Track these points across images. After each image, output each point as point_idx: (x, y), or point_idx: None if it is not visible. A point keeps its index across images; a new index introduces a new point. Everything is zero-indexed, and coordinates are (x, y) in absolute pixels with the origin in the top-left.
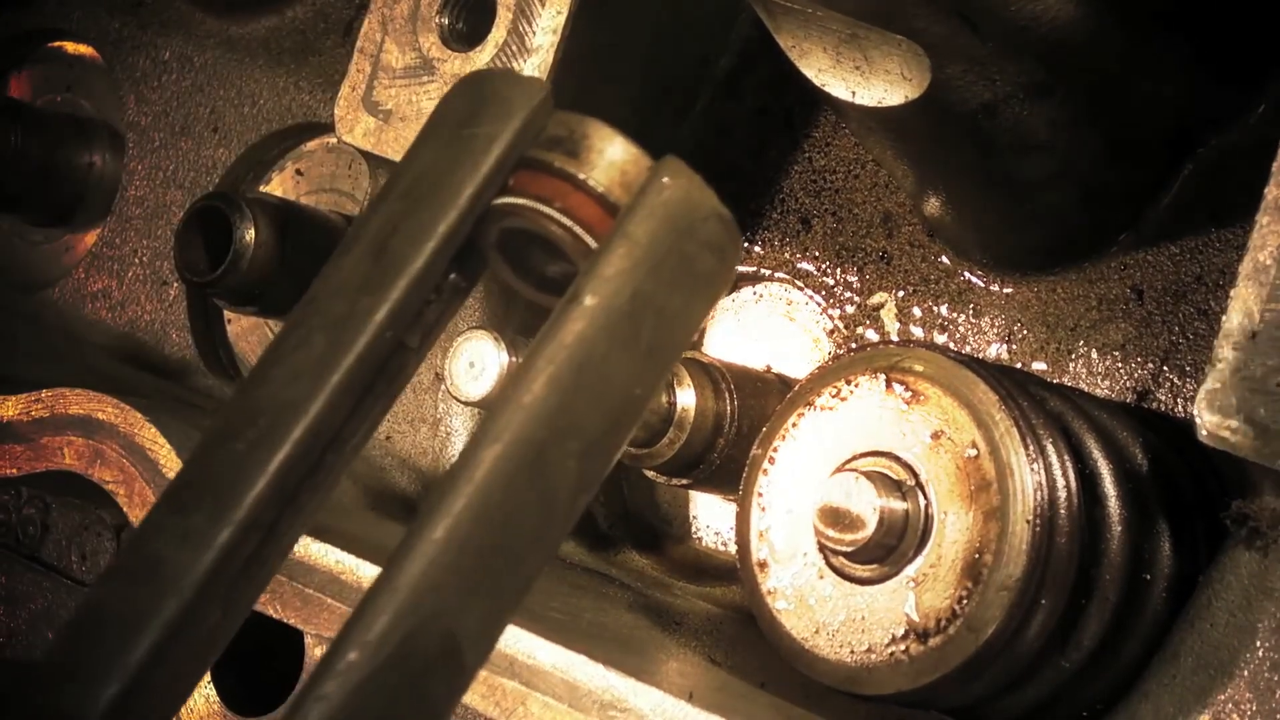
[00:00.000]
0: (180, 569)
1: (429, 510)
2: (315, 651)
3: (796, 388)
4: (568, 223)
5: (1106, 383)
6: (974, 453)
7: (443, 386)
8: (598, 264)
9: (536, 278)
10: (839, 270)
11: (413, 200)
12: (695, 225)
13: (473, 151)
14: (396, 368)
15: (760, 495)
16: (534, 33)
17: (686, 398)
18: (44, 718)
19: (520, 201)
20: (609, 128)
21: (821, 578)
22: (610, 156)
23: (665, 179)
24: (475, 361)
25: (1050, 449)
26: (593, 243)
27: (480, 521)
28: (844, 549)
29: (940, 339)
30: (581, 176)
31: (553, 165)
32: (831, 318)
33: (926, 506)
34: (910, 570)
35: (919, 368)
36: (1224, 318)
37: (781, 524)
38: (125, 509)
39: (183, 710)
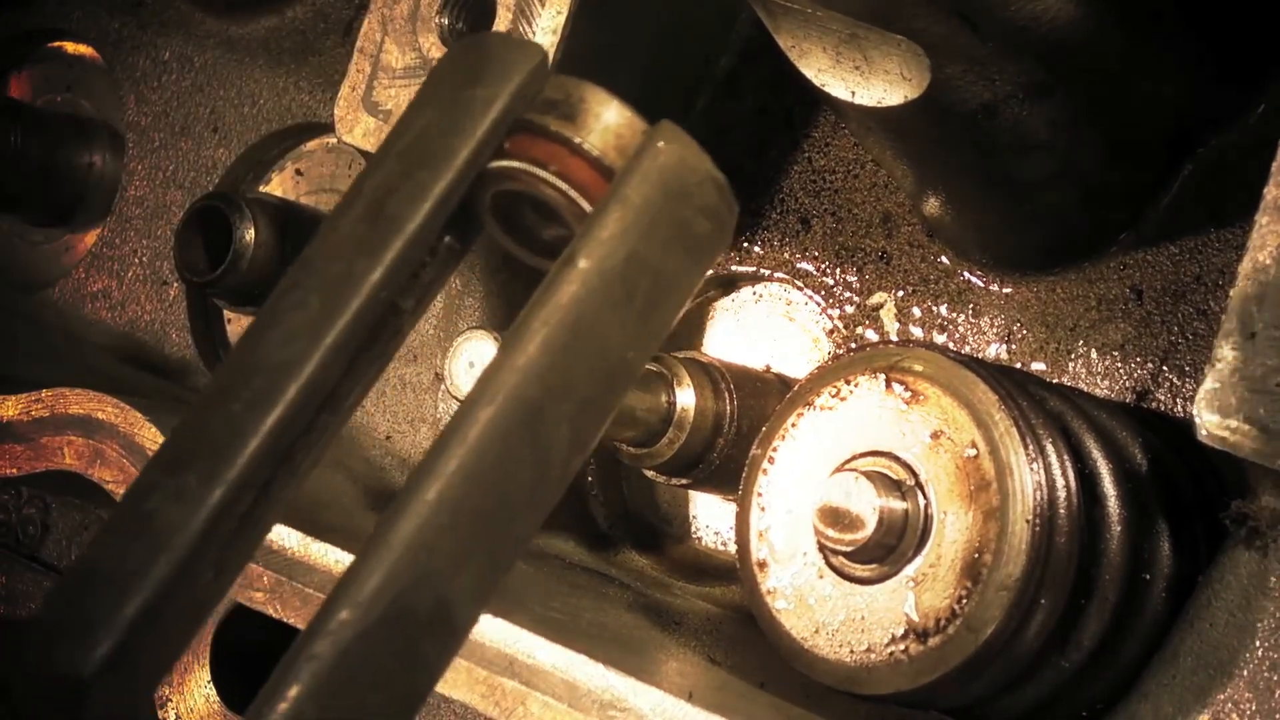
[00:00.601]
0: (173, 527)
1: (422, 470)
2: None
3: (796, 388)
4: (563, 186)
5: (1106, 383)
6: (973, 452)
7: (442, 386)
8: (592, 227)
9: (531, 241)
10: (838, 270)
11: (409, 162)
12: (690, 189)
13: (469, 114)
14: (391, 330)
15: (760, 495)
16: (534, 33)
17: (686, 398)
18: (36, 675)
19: (515, 165)
20: (605, 92)
21: (821, 577)
22: (606, 120)
23: (660, 143)
24: (475, 361)
25: (1050, 449)
26: (588, 206)
27: (473, 482)
28: (844, 549)
29: (940, 339)
30: (577, 140)
31: (548, 128)
32: (831, 318)
33: (926, 506)
34: (910, 570)
35: (918, 367)
36: (1224, 318)
37: (781, 524)
38: None
39: (183, 710)
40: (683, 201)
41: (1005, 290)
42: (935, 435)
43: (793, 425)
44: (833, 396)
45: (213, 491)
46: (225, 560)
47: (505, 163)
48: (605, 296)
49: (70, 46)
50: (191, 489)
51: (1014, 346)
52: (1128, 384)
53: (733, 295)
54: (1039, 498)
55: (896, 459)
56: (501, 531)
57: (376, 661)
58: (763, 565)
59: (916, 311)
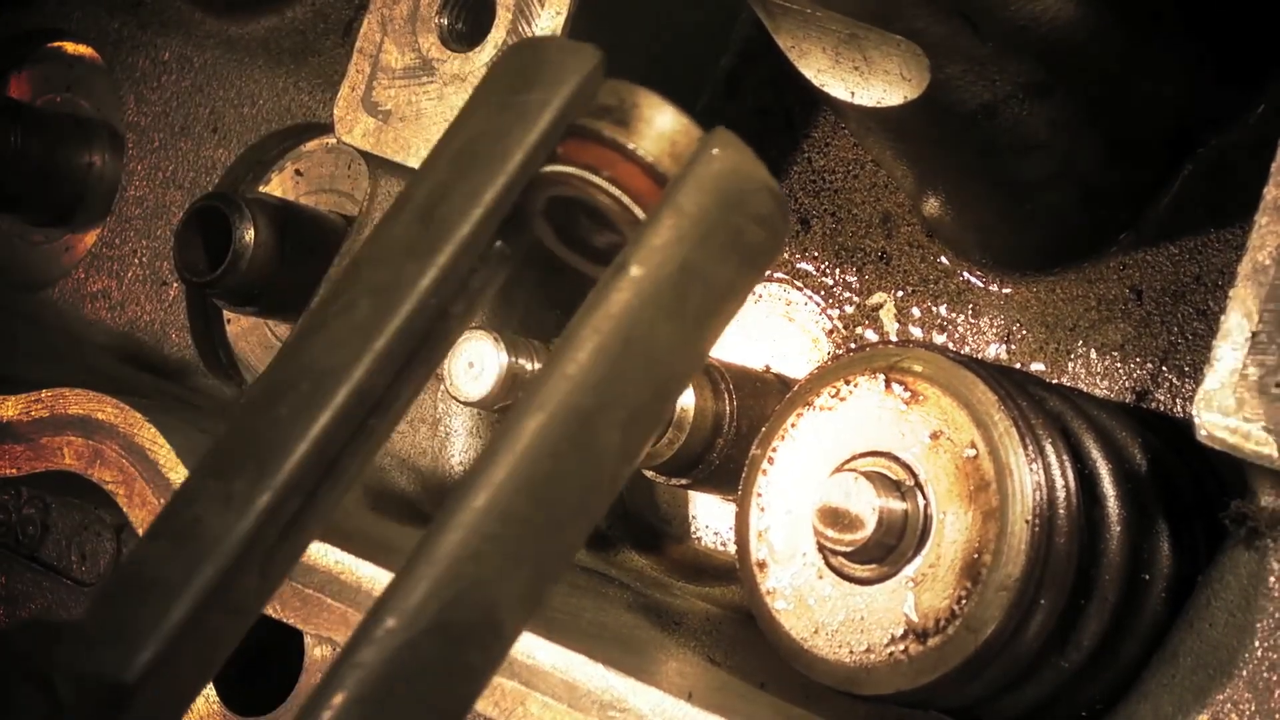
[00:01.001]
0: (219, 533)
1: (471, 478)
2: (315, 651)
3: (795, 388)
4: (616, 192)
5: (1105, 383)
6: (973, 453)
7: (442, 386)
8: (645, 234)
9: (583, 247)
10: (838, 270)
11: (461, 166)
12: (745, 197)
13: (523, 118)
14: (440, 335)
15: (759, 495)
16: (534, 33)
17: (686, 398)
18: (80, 679)
19: (569, 170)
20: (659, 97)
21: (820, 578)
22: (660, 126)
23: (715, 150)
24: (475, 361)
25: (1049, 449)
26: (641, 213)
27: (522, 491)
28: (843, 549)
29: (939, 339)
30: (631, 146)
31: (602, 134)
32: (830, 318)
33: (925, 506)
34: (909, 570)
35: (918, 368)
36: (1223, 318)
37: (780, 524)
38: (125, 509)
39: None
40: (737, 210)
41: (1005, 290)
42: (935, 435)
43: (792, 425)
44: (832, 397)
45: (259, 498)
46: (270, 566)
47: (558, 168)
48: (657, 305)
49: (70, 46)
50: (238, 495)
51: (1014, 346)
52: (1127, 384)
53: None
54: (1038, 498)
55: (896, 459)
56: (550, 541)
57: (422, 670)
58: (762, 565)
59: (916, 311)
